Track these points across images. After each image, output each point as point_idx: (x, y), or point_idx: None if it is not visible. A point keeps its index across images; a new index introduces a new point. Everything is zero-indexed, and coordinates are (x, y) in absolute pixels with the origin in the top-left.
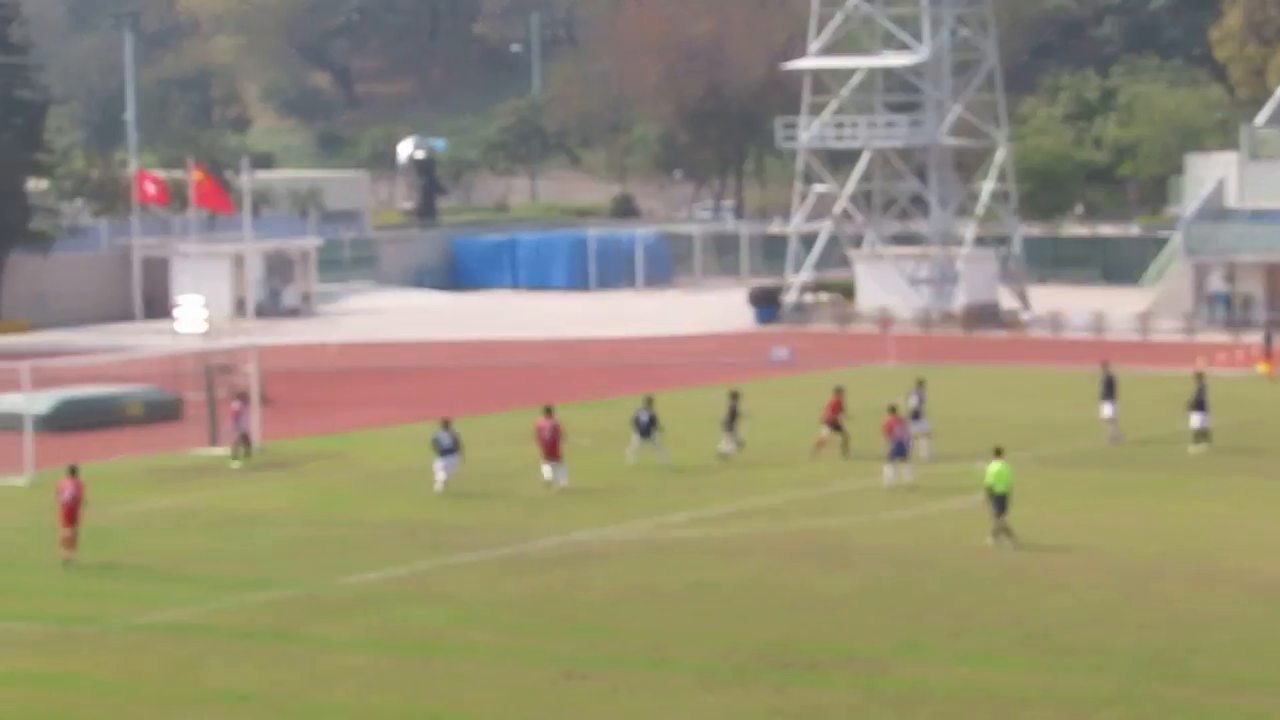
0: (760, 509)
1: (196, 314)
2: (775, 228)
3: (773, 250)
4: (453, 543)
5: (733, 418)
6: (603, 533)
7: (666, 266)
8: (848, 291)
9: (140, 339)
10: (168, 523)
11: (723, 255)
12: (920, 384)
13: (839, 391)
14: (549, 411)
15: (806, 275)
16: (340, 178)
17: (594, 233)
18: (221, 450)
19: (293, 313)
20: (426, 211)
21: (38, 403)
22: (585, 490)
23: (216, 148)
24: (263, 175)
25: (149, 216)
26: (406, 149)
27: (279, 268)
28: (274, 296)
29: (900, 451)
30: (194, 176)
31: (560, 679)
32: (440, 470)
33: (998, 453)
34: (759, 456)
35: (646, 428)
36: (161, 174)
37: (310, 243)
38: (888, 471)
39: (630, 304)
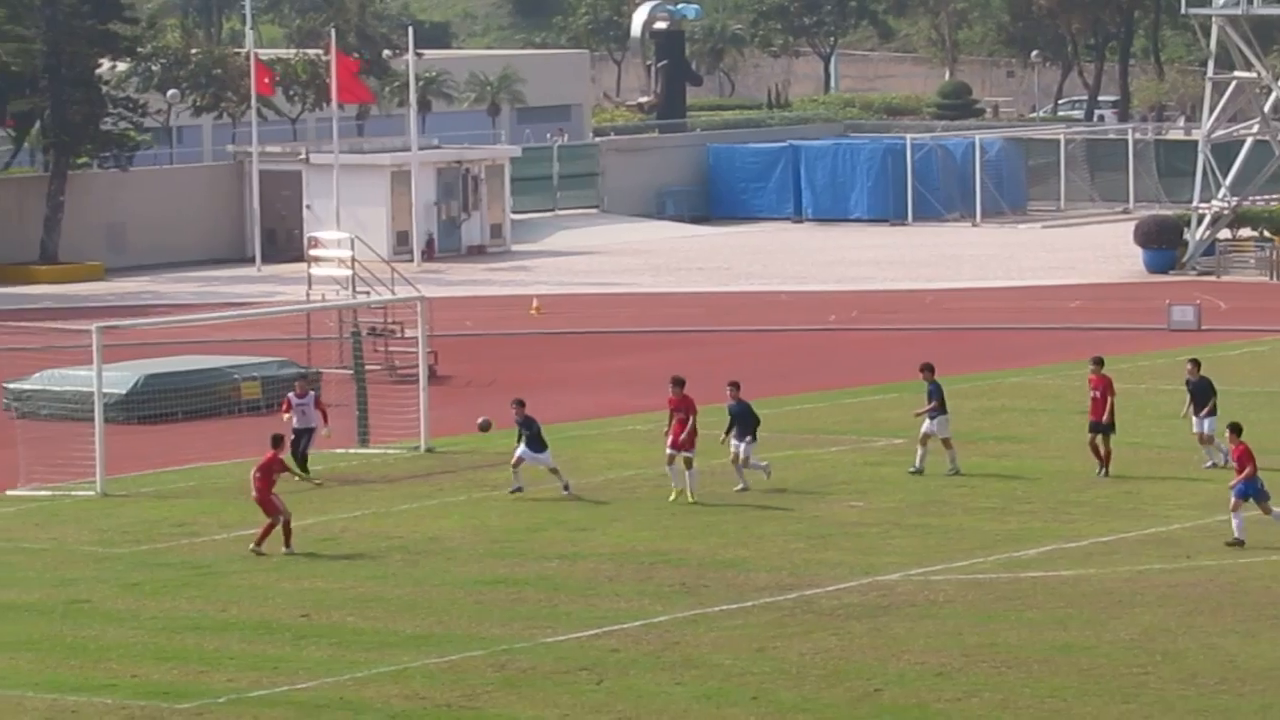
0: (1152, 539)
1: (340, 253)
2: (1177, 133)
3: (1173, 165)
4: (706, 585)
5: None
6: (923, 572)
7: (1018, 188)
8: None
9: (259, 289)
10: (294, 554)
11: (1100, 172)
12: (1195, 365)
13: (1098, 366)
14: (679, 384)
15: (1222, 202)
16: (547, 59)
17: (913, 139)
18: (376, 450)
19: (477, 251)
20: (671, 108)
21: (112, 380)
22: (894, 510)
23: (368, 16)
24: (435, 55)
25: (273, 113)
26: (642, 18)
27: (457, 188)
28: (450, 229)
29: (1251, 492)
30: (334, 58)
31: None
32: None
33: None
34: (1151, 465)
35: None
36: (288, 54)
37: (503, 152)
38: (1235, 524)
39: (964, 242)
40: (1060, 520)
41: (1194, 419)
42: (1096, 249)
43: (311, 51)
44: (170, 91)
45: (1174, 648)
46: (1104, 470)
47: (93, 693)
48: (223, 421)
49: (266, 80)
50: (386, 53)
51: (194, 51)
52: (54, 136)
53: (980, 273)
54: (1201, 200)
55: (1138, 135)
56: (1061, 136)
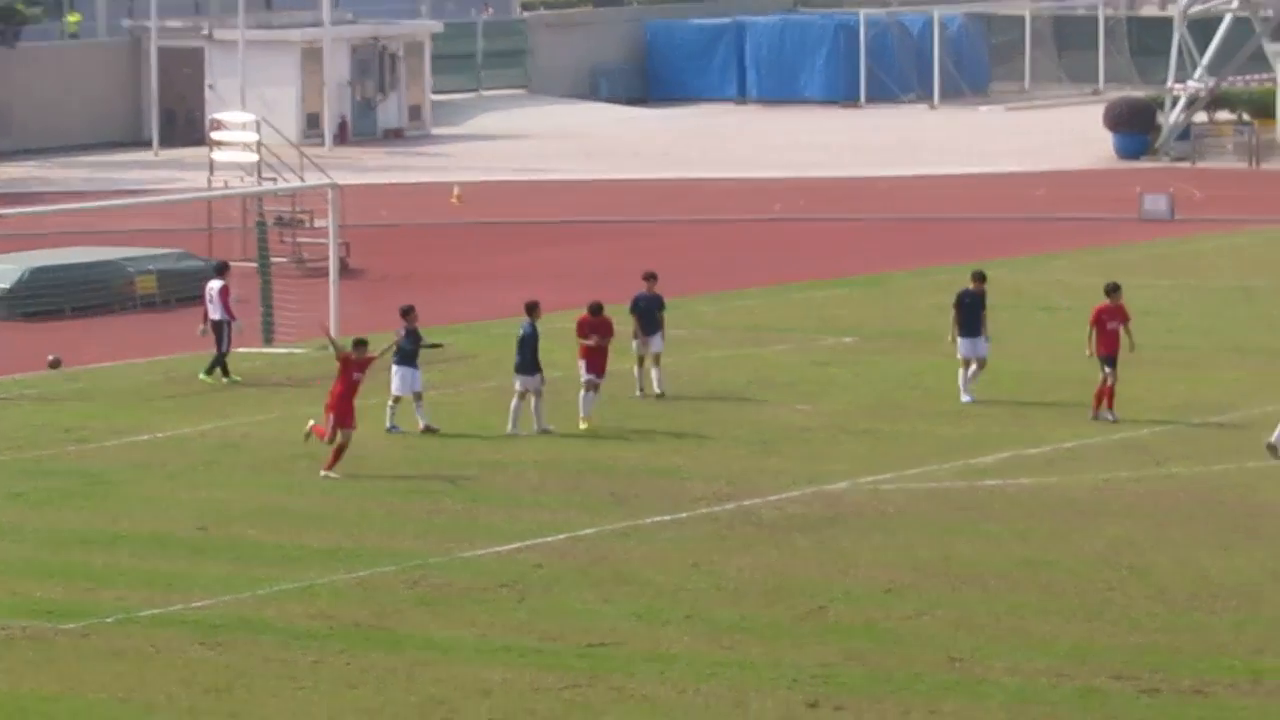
0: (1122, 445)
1: (245, 137)
2: (1150, 9)
3: (1146, 44)
4: (637, 495)
5: None
6: (872, 481)
7: (980, 68)
8: (1263, 108)
9: (157, 175)
10: (192, 462)
11: (1067, 50)
12: (978, 277)
13: (1112, 294)
14: (597, 310)
15: (1199, 83)
16: None
17: (866, 14)
18: (282, 350)
19: (395, 135)
20: None
21: None
22: (842, 414)
23: None
24: None
25: None
26: None
27: (373, 66)
28: (365, 110)
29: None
30: None
31: (801, 710)
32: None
33: None
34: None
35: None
36: None
37: (424, 28)
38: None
39: (922, 125)
40: (1020, 425)
41: (960, 341)
42: (1064, 133)
43: None
44: None
45: (1142, 562)
46: (1110, 411)
47: None
48: (116, 319)
49: None
50: None
51: None
52: None
53: (938, 158)
54: (1176, 81)
55: (1109, 11)
56: (1027, 12)
